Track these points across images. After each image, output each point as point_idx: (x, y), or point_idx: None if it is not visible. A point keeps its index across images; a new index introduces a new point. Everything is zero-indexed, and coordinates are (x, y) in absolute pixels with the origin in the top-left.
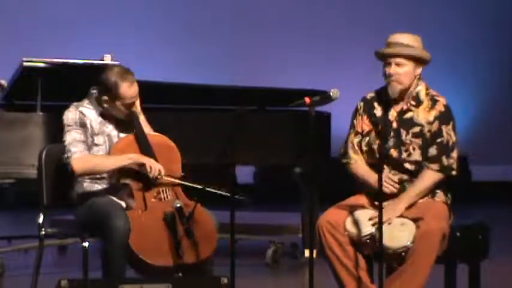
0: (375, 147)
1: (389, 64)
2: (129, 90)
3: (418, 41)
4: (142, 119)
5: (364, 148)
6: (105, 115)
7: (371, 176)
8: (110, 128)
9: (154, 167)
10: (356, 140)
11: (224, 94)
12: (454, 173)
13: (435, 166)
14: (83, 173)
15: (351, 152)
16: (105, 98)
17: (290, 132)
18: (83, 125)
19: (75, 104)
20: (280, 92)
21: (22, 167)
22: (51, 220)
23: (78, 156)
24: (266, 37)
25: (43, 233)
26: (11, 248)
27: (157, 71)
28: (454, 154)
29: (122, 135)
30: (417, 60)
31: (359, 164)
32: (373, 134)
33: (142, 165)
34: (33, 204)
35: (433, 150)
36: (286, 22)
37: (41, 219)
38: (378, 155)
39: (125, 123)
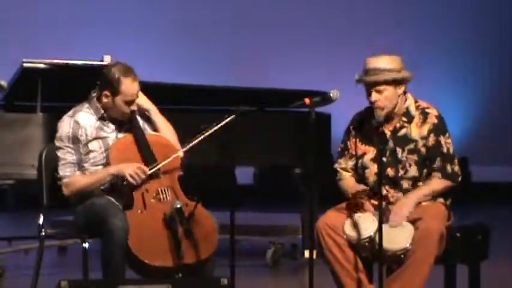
0: (368, 170)
1: (370, 92)
2: (131, 86)
3: (397, 61)
4: (161, 119)
5: (359, 171)
6: (104, 118)
7: (351, 187)
8: (108, 132)
9: (134, 173)
10: (350, 163)
11: (224, 95)
12: (460, 179)
13: (442, 175)
14: (72, 195)
15: (342, 171)
16: (106, 93)
17: (290, 133)
18: (75, 141)
19: (73, 109)
20: (280, 93)
21: (22, 167)
22: (52, 221)
23: (67, 181)
24: (266, 37)
25: (43, 233)
26: (11, 248)
27: (157, 72)
28: (456, 161)
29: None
30: (397, 82)
31: (348, 179)
32: (365, 157)
33: (124, 176)
34: (33, 205)
35: (437, 163)
36: (286, 22)
37: (41, 220)
38: (376, 176)
39: (125, 127)
